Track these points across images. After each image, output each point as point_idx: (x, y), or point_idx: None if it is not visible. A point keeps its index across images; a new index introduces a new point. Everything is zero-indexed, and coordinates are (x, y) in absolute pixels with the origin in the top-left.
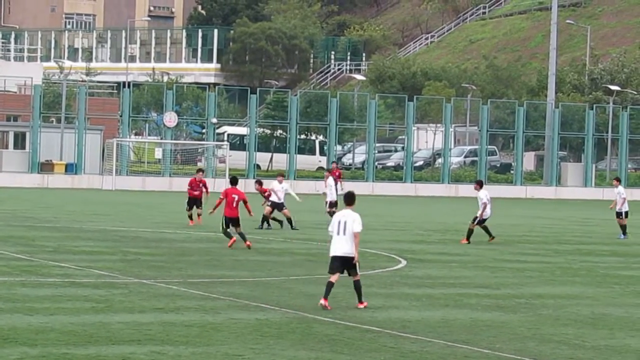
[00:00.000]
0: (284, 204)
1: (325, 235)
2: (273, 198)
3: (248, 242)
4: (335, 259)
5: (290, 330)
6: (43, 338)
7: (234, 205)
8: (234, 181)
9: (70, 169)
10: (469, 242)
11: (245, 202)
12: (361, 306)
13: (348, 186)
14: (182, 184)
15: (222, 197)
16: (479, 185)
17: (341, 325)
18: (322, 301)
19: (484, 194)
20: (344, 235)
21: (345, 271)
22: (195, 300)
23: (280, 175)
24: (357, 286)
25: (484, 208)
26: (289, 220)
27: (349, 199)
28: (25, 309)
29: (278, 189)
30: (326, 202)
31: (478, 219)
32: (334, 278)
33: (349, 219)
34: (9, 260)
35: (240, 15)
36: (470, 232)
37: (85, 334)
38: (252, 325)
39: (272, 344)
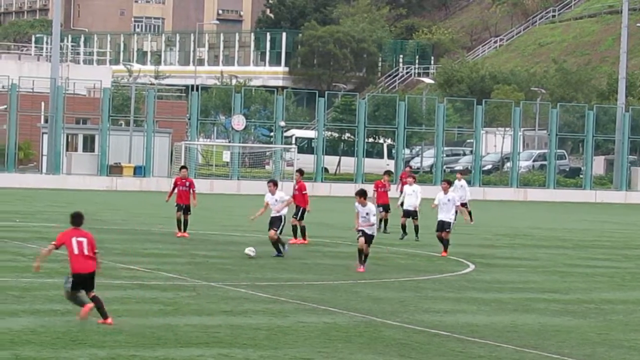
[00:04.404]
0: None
1: (392, 239)
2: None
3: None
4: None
5: (358, 333)
6: (111, 340)
7: None
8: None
9: (138, 171)
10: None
11: None
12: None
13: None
14: (250, 187)
15: None
16: (449, 184)
17: (409, 329)
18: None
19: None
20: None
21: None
22: (263, 303)
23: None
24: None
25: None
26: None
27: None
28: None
29: (406, 192)
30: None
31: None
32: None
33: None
34: None
35: (309, 19)
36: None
37: (154, 336)
38: (320, 328)
39: (340, 347)
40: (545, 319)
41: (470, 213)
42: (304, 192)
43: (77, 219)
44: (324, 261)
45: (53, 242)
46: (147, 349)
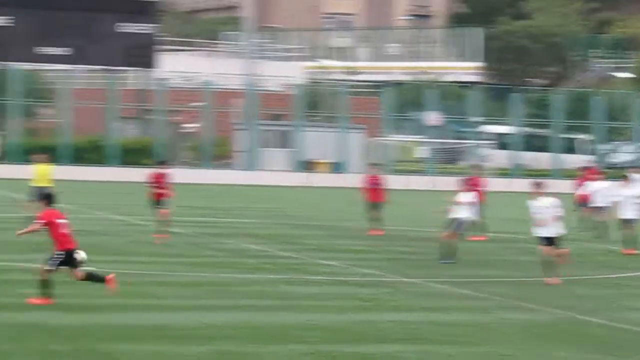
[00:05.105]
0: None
1: (588, 236)
2: (602, 201)
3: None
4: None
5: (560, 330)
6: (311, 335)
7: None
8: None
9: (335, 167)
10: None
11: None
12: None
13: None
14: (446, 183)
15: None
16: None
17: (612, 326)
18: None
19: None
20: None
21: None
22: (463, 299)
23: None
24: None
25: None
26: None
27: None
28: (293, 307)
29: (597, 188)
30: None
31: None
32: None
33: None
34: (275, 258)
35: (502, 14)
36: None
37: (353, 332)
38: (521, 325)
39: (542, 344)
40: None
41: None
42: (480, 189)
43: None
44: (525, 257)
45: None
46: (347, 344)
